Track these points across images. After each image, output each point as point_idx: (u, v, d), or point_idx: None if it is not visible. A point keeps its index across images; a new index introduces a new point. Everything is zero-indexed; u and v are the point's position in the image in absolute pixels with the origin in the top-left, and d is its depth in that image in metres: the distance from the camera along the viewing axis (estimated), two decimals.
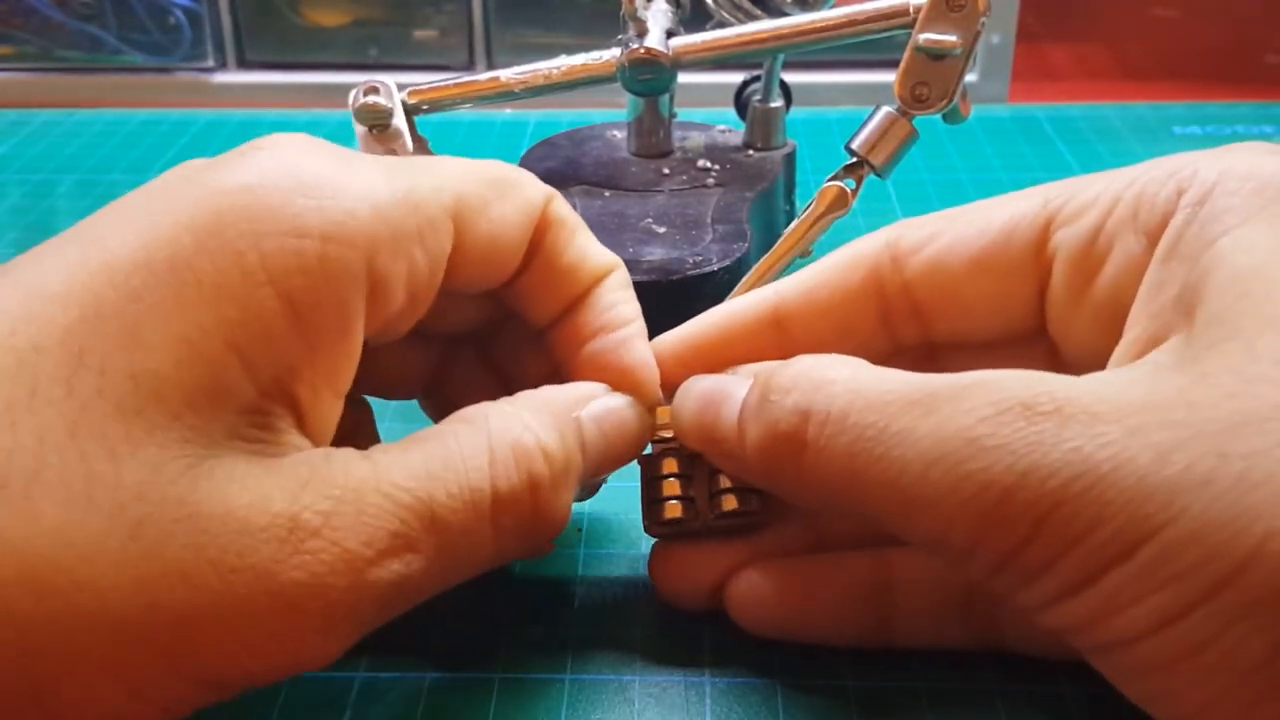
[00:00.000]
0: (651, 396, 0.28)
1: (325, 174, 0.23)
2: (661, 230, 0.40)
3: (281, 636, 0.21)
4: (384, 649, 0.28)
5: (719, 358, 0.28)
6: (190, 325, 0.21)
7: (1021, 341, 0.27)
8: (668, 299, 0.37)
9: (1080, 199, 0.25)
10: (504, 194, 0.26)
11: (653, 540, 0.29)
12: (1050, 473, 0.19)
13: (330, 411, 0.24)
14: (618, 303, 0.28)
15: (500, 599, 0.30)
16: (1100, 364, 0.23)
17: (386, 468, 0.23)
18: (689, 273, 0.38)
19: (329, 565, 0.21)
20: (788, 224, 0.36)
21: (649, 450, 0.29)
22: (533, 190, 0.27)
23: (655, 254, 0.39)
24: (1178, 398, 0.19)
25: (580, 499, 0.29)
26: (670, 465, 0.28)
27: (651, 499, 0.28)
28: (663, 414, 0.29)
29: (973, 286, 0.26)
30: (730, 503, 0.27)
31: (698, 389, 0.27)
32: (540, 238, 0.27)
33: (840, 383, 0.23)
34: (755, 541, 0.28)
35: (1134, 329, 0.22)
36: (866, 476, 0.22)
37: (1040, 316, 0.26)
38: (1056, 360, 0.26)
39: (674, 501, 0.28)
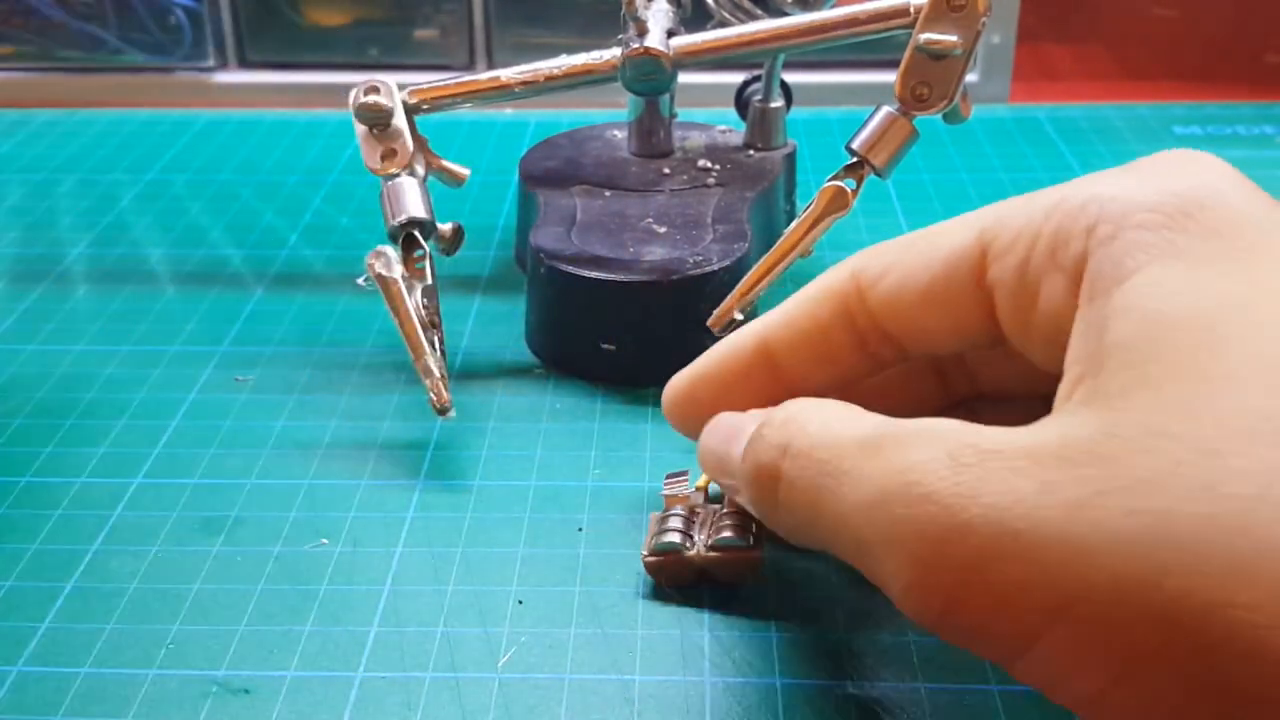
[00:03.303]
0: None
1: None
2: (662, 230, 0.40)
3: None
4: (385, 648, 0.28)
5: (723, 394, 0.29)
6: None
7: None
8: (668, 299, 0.37)
9: (1005, 235, 0.24)
10: None
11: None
12: (970, 530, 0.19)
13: None
14: None
15: (501, 600, 0.30)
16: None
17: None
18: (689, 273, 0.38)
19: None
20: (788, 224, 0.36)
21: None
22: None
23: (655, 254, 0.39)
24: (1086, 450, 0.19)
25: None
26: (677, 514, 0.30)
27: (653, 534, 0.30)
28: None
29: (928, 317, 0.26)
30: (727, 531, 0.29)
31: (722, 424, 0.28)
32: None
33: (816, 422, 0.24)
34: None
35: (1071, 369, 0.22)
36: (826, 512, 0.23)
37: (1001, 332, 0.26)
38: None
39: (674, 533, 0.30)
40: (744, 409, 0.28)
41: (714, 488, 0.31)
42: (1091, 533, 0.18)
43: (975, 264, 0.25)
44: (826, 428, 0.23)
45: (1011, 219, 0.24)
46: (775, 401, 0.27)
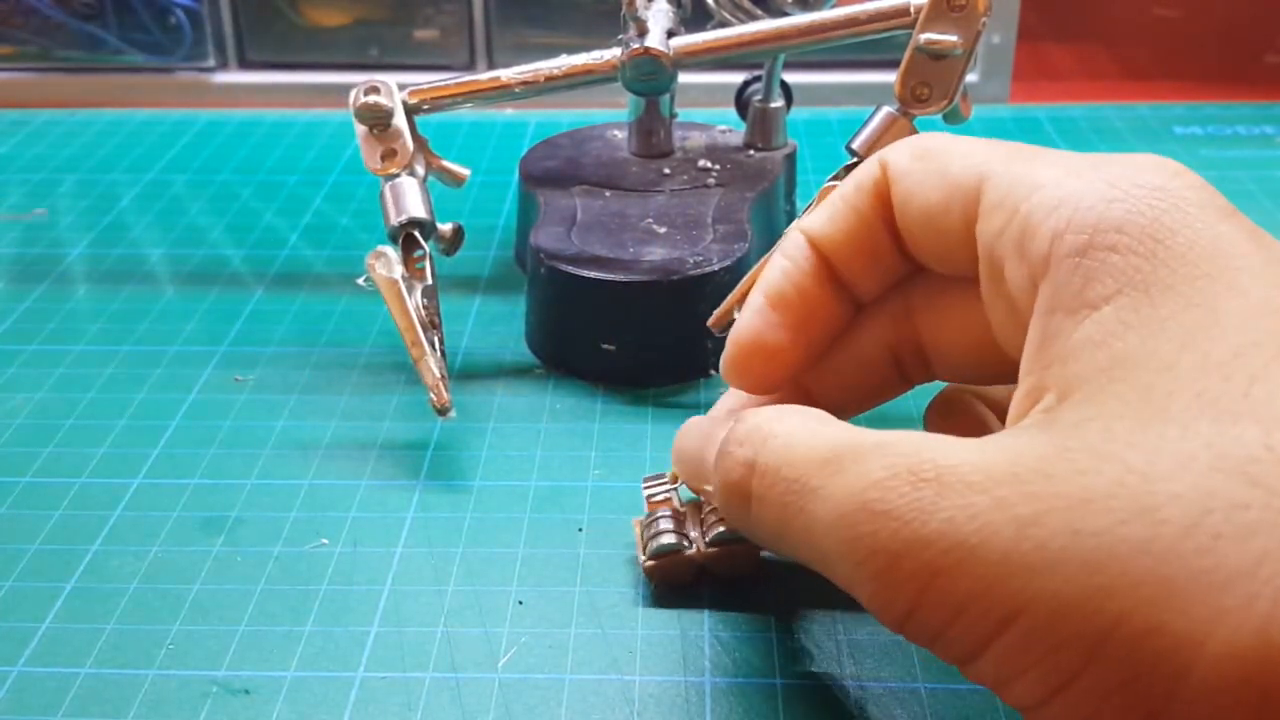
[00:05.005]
0: None
1: None
2: (662, 230, 0.40)
3: None
4: (385, 648, 0.28)
5: (798, 323, 0.28)
6: None
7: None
8: (668, 299, 0.37)
9: (994, 194, 0.24)
10: None
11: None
12: (928, 543, 0.20)
13: None
14: None
15: (501, 600, 0.30)
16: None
17: None
18: (689, 273, 0.38)
19: None
20: (788, 224, 0.36)
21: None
22: None
23: (655, 254, 0.39)
24: (1038, 469, 0.20)
25: None
26: (665, 515, 0.30)
27: (648, 538, 0.30)
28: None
29: (925, 238, 0.26)
30: (723, 525, 0.29)
31: (693, 430, 0.28)
32: None
33: (780, 437, 0.24)
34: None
35: (1026, 379, 0.22)
36: (794, 527, 0.23)
37: None
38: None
39: (670, 534, 0.29)
40: (814, 334, 0.28)
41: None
42: (1036, 550, 0.19)
43: (970, 207, 0.25)
44: (790, 443, 0.24)
45: (1002, 179, 0.24)
46: (842, 322, 0.28)
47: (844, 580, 0.22)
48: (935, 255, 0.26)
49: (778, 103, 0.46)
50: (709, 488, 0.27)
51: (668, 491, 0.31)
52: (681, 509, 0.30)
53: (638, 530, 0.30)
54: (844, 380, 0.29)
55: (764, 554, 0.30)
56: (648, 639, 0.28)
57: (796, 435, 0.24)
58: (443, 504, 0.33)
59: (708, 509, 0.30)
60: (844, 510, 0.21)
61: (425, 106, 0.40)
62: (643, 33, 0.39)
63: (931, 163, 0.26)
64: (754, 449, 0.24)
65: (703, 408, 0.37)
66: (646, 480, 0.31)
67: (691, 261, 0.38)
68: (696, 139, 0.47)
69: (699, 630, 0.29)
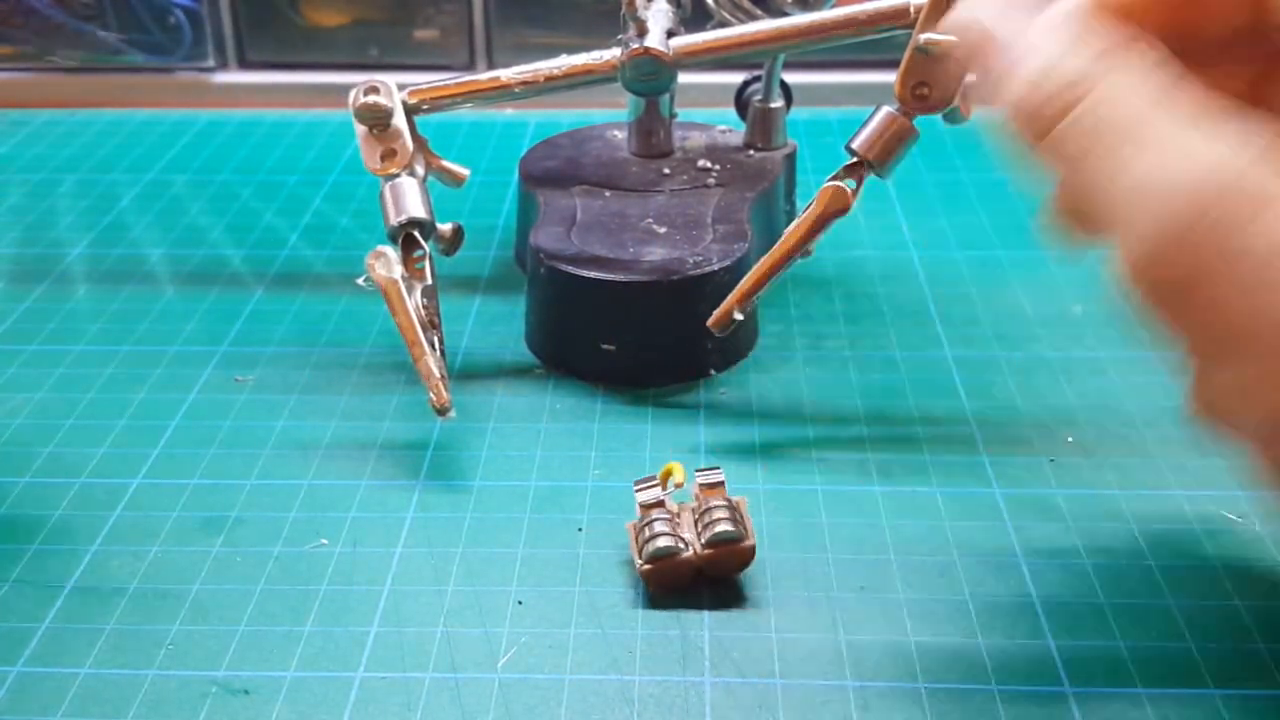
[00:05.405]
0: None
1: None
2: (662, 230, 0.40)
3: None
4: (385, 648, 0.28)
5: None
6: None
7: None
8: (668, 299, 0.37)
9: None
10: None
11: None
12: (1227, 234, 0.20)
13: None
14: None
15: (501, 600, 0.30)
16: None
17: None
18: (689, 273, 0.38)
19: None
20: (788, 224, 0.36)
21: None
22: None
23: (655, 254, 0.39)
24: None
25: None
26: (659, 518, 0.30)
27: (643, 542, 0.30)
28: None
29: None
30: (720, 525, 0.29)
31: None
32: None
33: (1131, 76, 0.22)
34: None
35: None
36: (1102, 167, 0.22)
37: None
38: None
39: (666, 536, 0.29)
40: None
41: (677, 489, 0.31)
42: None
43: None
44: (1138, 87, 0.22)
45: None
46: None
47: (1120, 227, 0.21)
48: None
49: (778, 103, 0.46)
50: (987, 70, 0.24)
51: (660, 494, 0.31)
52: (675, 511, 0.30)
53: (632, 534, 0.30)
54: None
55: (759, 555, 0.30)
56: (647, 639, 0.28)
57: (1149, 79, 0.22)
58: (443, 504, 0.33)
59: (703, 510, 0.30)
60: (1179, 168, 0.21)
61: (425, 106, 0.40)
62: (643, 33, 0.39)
63: None
64: (1099, 76, 0.22)
65: (703, 408, 0.37)
66: (638, 483, 0.31)
67: (691, 261, 0.38)
68: (696, 139, 0.47)
69: (698, 630, 0.29)
